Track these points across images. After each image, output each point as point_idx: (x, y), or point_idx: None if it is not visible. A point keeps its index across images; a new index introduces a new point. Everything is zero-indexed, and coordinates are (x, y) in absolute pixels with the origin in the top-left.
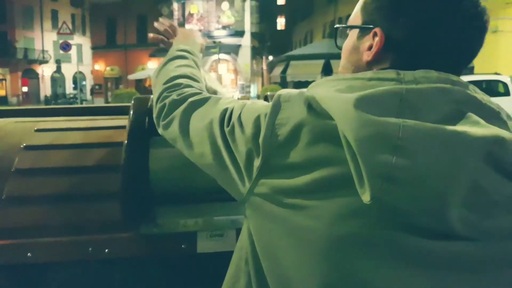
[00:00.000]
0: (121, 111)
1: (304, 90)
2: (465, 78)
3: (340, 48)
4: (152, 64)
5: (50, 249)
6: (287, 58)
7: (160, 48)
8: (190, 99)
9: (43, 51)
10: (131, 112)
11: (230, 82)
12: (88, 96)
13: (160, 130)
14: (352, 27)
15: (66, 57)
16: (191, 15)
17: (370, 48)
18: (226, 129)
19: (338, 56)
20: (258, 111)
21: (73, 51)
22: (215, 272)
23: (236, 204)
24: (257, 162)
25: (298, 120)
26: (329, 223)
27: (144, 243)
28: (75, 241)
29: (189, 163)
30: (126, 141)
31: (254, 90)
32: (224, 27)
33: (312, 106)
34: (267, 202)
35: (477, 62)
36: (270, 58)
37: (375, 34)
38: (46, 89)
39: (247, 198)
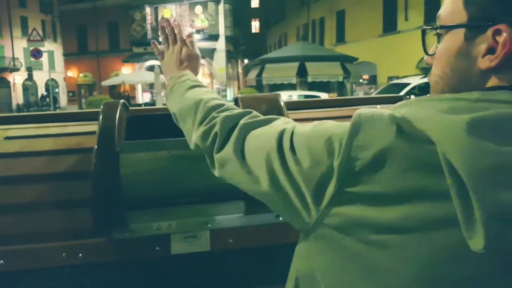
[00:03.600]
0: (91, 116)
1: (389, 110)
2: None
3: (428, 54)
4: (126, 70)
5: (23, 256)
6: (262, 61)
7: (133, 54)
8: (242, 121)
9: (13, 58)
10: (101, 118)
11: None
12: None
13: (210, 154)
14: (457, 26)
15: (38, 65)
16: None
17: (489, 51)
18: (287, 152)
19: (312, 59)
20: (327, 131)
21: (44, 58)
22: (190, 273)
23: (208, 206)
24: (330, 189)
25: (384, 143)
26: (424, 268)
27: (117, 248)
28: (48, 247)
29: (159, 167)
30: (96, 147)
31: (230, 94)
32: (198, 31)
33: (402, 128)
34: (342, 235)
35: None
36: (246, 61)
37: (496, 33)
38: (18, 98)
39: (314, 229)
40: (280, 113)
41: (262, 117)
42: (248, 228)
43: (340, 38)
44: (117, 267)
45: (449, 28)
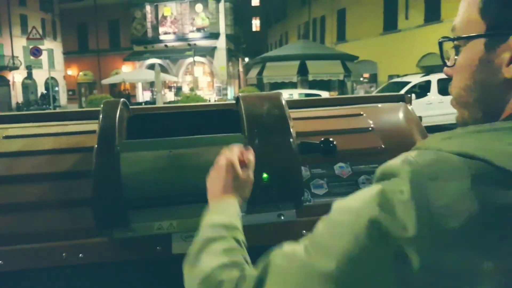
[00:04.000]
0: (92, 115)
1: (437, 152)
2: (438, 76)
3: (447, 66)
4: (126, 68)
5: (23, 256)
6: (262, 59)
7: (134, 52)
8: None
9: (13, 57)
10: (101, 116)
11: (206, 84)
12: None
13: None
14: (475, 37)
15: (37, 63)
16: (164, 17)
17: None
18: (327, 273)
19: (313, 57)
20: (359, 220)
21: (44, 57)
22: None
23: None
24: (411, 272)
25: (471, 202)
26: None
27: (118, 247)
28: (48, 247)
29: (161, 166)
30: (96, 146)
31: (231, 92)
32: (198, 30)
33: (483, 174)
34: None
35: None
36: (246, 60)
37: None
38: (17, 96)
39: None
40: (281, 111)
41: (254, 272)
42: (250, 227)
43: (341, 37)
44: (118, 267)
45: (467, 39)
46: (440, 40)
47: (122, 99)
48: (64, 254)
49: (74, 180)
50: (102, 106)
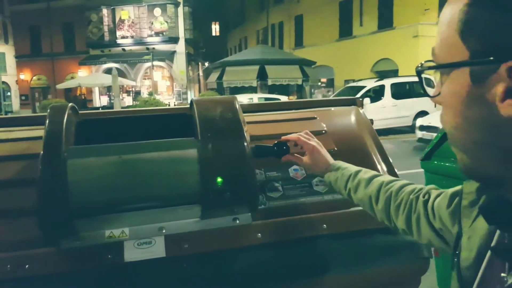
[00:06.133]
0: (41, 121)
1: None
2: (391, 81)
3: (430, 96)
4: (82, 73)
5: None
6: (222, 64)
7: (90, 56)
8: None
9: None
10: (47, 122)
11: (166, 89)
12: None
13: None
14: (457, 64)
15: None
16: (122, 21)
17: (508, 93)
18: None
19: (272, 62)
20: None
21: None
22: (145, 281)
23: (162, 211)
24: None
25: None
26: None
27: (66, 258)
28: None
29: (110, 172)
30: (41, 153)
31: (191, 96)
32: (157, 34)
33: None
34: None
35: (400, 65)
36: (206, 64)
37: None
38: None
39: None
40: (235, 115)
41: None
42: (205, 232)
43: (299, 42)
44: (66, 278)
45: (447, 67)
46: (418, 69)
47: (70, 104)
48: (8, 266)
49: (19, 189)
50: (48, 111)
